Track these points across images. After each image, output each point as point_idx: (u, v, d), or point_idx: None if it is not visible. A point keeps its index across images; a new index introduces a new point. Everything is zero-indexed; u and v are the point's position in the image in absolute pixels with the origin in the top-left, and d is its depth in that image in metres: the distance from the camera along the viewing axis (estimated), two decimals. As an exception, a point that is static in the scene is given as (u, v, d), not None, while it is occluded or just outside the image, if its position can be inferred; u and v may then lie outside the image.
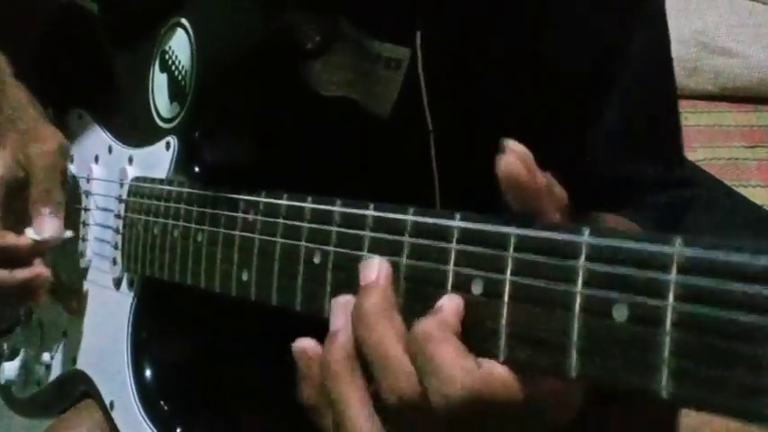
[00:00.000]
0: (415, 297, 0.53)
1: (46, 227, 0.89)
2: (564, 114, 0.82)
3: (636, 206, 0.83)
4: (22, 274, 0.88)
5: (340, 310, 0.55)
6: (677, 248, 0.40)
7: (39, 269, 0.89)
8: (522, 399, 0.47)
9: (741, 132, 1.96)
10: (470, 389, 0.47)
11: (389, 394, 0.51)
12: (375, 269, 0.54)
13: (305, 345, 0.57)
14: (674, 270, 0.40)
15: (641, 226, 0.79)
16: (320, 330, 0.59)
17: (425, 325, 0.50)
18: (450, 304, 0.50)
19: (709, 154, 1.90)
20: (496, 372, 0.48)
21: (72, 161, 0.96)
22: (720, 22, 1.98)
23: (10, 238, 0.89)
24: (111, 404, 0.88)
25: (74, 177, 0.98)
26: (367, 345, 0.52)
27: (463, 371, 0.48)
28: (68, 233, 0.92)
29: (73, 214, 0.96)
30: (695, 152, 1.89)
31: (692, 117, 1.98)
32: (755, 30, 2.01)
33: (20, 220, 0.91)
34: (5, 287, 0.88)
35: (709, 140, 1.93)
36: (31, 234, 0.90)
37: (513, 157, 0.48)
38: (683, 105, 2.00)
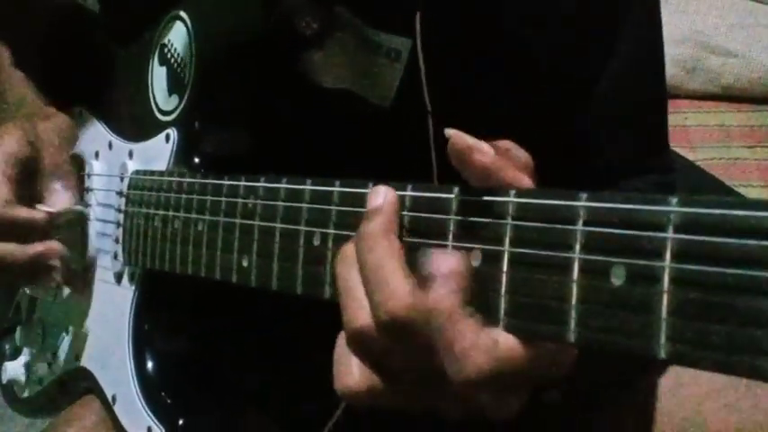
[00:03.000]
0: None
1: (58, 200, 0.91)
2: (559, 101, 0.82)
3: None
4: (34, 248, 0.89)
5: None
6: (673, 208, 0.40)
7: (52, 243, 0.89)
8: (526, 366, 0.47)
9: (741, 132, 1.96)
10: (484, 369, 0.47)
11: (384, 315, 0.51)
12: (381, 196, 0.54)
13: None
14: (671, 229, 0.40)
15: None
16: (319, 326, 0.58)
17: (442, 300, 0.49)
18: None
19: (709, 154, 1.89)
20: (503, 342, 0.47)
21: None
22: (720, 22, 1.98)
23: (24, 212, 0.89)
24: (113, 398, 0.88)
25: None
26: (367, 267, 0.52)
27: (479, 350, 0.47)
28: (80, 207, 0.93)
29: None
30: (695, 152, 1.88)
31: (692, 117, 1.97)
32: (755, 30, 2.00)
33: (33, 198, 0.92)
34: (19, 261, 0.89)
35: (709, 140, 1.93)
36: (44, 208, 0.90)
37: (452, 141, 0.49)
38: (683, 105, 2.00)
